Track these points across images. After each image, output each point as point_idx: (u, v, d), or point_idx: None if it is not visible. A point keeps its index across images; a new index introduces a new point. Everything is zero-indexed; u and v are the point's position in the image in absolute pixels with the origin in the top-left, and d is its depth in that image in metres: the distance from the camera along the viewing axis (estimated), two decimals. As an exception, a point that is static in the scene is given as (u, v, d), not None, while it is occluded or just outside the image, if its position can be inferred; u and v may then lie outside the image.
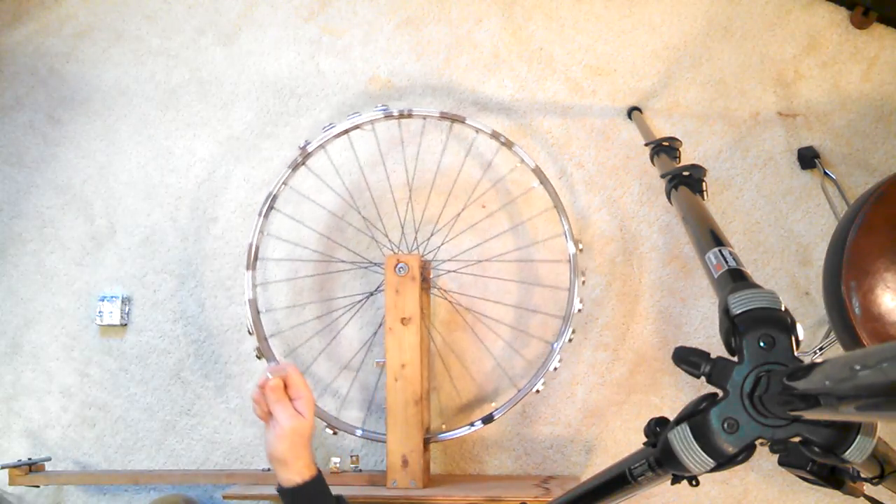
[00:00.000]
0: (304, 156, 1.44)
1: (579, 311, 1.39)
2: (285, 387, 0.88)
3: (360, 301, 1.59)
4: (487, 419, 1.40)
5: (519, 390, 1.41)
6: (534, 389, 1.38)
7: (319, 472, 0.90)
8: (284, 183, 1.45)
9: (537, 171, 1.43)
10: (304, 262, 1.64)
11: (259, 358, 1.41)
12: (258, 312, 1.43)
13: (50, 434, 1.67)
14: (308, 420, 0.87)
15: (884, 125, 1.59)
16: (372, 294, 1.58)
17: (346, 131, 1.44)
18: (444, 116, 1.44)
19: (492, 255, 1.60)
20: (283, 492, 0.88)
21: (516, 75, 1.68)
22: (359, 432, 1.43)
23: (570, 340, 1.40)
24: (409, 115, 1.44)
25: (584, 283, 1.39)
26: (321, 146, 1.44)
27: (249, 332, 1.41)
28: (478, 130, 1.45)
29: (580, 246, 1.42)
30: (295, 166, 1.44)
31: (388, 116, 1.43)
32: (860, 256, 1.02)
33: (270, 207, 1.45)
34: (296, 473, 0.87)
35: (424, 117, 1.46)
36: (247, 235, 1.48)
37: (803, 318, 1.54)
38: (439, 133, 1.66)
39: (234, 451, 1.63)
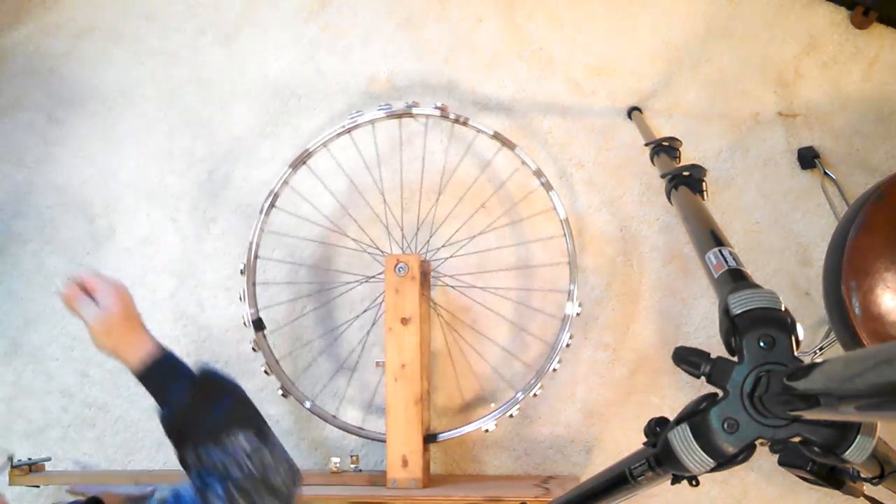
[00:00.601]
0: (353, 125, 1.45)
1: (554, 370, 1.40)
2: (89, 292, 0.91)
3: (354, 285, 1.59)
4: (431, 438, 1.41)
5: (470, 423, 1.42)
6: (483, 429, 1.40)
7: (159, 347, 0.90)
8: (324, 145, 1.46)
9: (566, 223, 1.43)
10: (305, 259, 1.64)
11: (241, 300, 1.44)
12: (256, 258, 1.47)
13: (50, 434, 1.67)
14: (112, 308, 0.90)
15: (884, 125, 1.59)
16: (368, 279, 1.57)
17: (399, 115, 1.45)
18: (496, 136, 1.44)
19: (493, 285, 1.60)
20: (138, 379, 0.89)
21: (516, 75, 1.68)
22: (308, 404, 1.44)
23: (535, 395, 1.41)
24: (465, 123, 1.45)
25: (568, 345, 1.40)
26: (371, 121, 1.45)
27: (241, 273, 1.45)
28: (523, 162, 1.45)
29: (579, 310, 1.41)
30: (340, 133, 1.45)
31: (444, 117, 1.44)
32: (860, 256, 1.02)
33: (302, 162, 1.47)
34: (131, 357, 0.88)
35: (478, 131, 1.46)
36: (247, 235, 1.48)
37: (803, 318, 1.54)
38: (457, 145, 1.66)
39: (234, 451, 1.63)
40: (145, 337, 0.91)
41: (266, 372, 1.43)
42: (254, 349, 1.44)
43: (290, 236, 1.64)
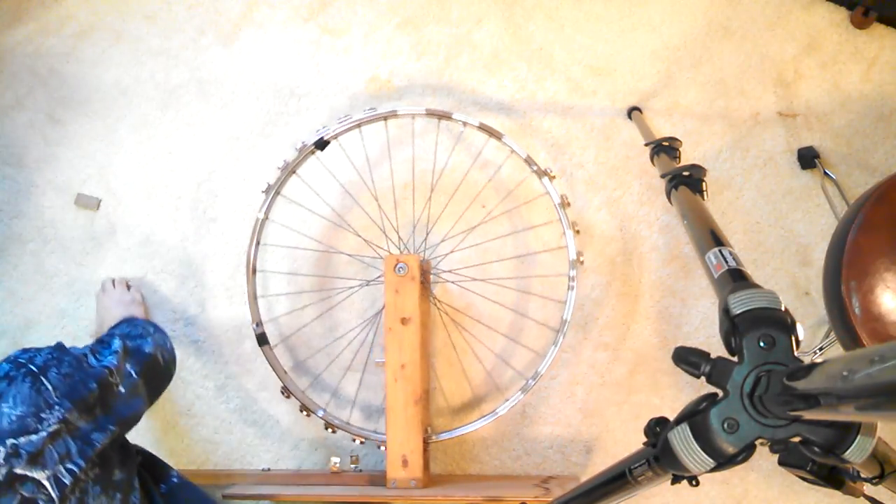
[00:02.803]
0: (392, 114, 1.47)
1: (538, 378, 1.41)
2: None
3: (353, 288, 1.59)
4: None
5: (437, 434, 1.44)
6: (433, 439, 1.41)
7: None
8: (358, 126, 1.48)
9: (576, 263, 1.43)
10: (304, 265, 1.65)
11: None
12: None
13: (50, 434, 1.67)
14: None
15: (884, 125, 1.59)
16: (368, 283, 1.58)
17: (439, 116, 1.47)
18: (530, 163, 1.44)
19: (493, 287, 1.60)
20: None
21: (516, 75, 1.68)
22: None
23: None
24: (500, 138, 1.46)
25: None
26: (411, 115, 1.48)
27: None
28: (555, 205, 1.44)
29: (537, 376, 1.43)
30: (383, 118, 1.47)
31: (482, 128, 1.46)
32: (860, 256, 1.02)
33: (326, 144, 1.47)
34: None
35: (521, 158, 1.46)
36: (246, 235, 1.48)
37: (803, 318, 1.54)
38: (459, 146, 1.66)
39: (234, 451, 1.63)
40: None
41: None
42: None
43: (293, 230, 1.64)
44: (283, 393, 1.44)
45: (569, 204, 1.45)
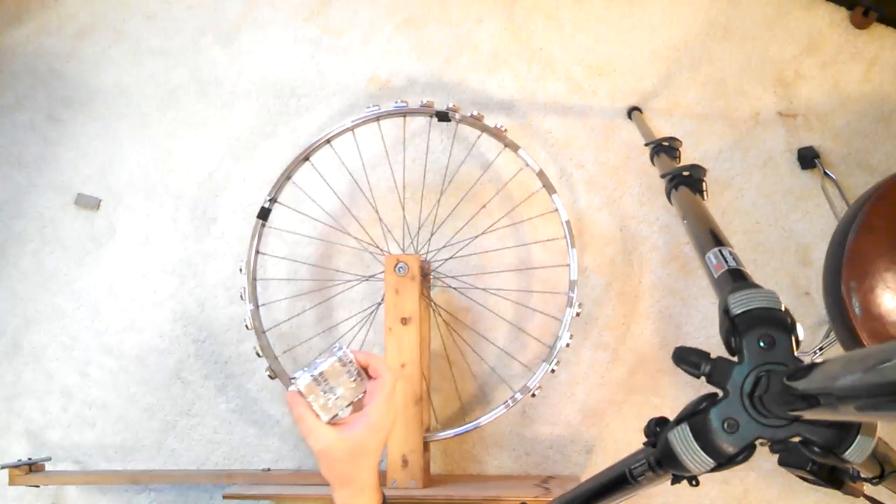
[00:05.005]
0: (513, 145, 1.43)
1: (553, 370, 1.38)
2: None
3: (353, 284, 1.59)
4: None
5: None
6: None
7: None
8: (483, 131, 1.44)
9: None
10: (305, 259, 1.65)
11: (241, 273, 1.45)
12: (263, 226, 1.48)
13: (50, 434, 1.67)
14: (354, 434, 0.62)
15: (884, 125, 1.59)
16: (368, 279, 1.58)
17: (544, 186, 1.43)
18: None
19: (494, 285, 1.60)
20: None
21: (516, 75, 1.68)
22: (251, 306, 1.43)
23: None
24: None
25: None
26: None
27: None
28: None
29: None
30: (504, 144, 1.44)
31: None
32: (860, 256, 1.02)
33: (446, 118, 1.43)
34: (345, 499, 0.67)
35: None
36: (247, 235, 1.48)
37: (803, 318, 1.53)
38: (459, 145, 1.66)
39: (234, 451, 1.63)
40: (368, 482, 0.68)
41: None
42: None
43: (292, 233, 1.64)
44: (239, 269, 1.45)
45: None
